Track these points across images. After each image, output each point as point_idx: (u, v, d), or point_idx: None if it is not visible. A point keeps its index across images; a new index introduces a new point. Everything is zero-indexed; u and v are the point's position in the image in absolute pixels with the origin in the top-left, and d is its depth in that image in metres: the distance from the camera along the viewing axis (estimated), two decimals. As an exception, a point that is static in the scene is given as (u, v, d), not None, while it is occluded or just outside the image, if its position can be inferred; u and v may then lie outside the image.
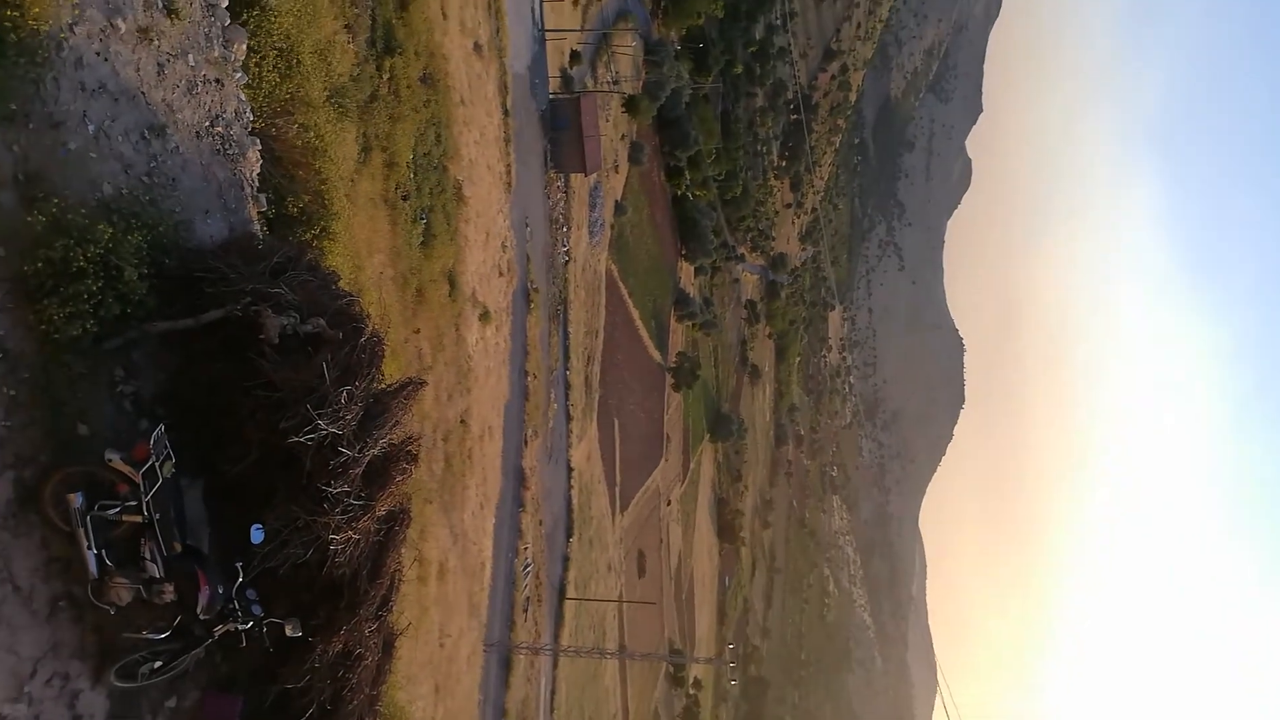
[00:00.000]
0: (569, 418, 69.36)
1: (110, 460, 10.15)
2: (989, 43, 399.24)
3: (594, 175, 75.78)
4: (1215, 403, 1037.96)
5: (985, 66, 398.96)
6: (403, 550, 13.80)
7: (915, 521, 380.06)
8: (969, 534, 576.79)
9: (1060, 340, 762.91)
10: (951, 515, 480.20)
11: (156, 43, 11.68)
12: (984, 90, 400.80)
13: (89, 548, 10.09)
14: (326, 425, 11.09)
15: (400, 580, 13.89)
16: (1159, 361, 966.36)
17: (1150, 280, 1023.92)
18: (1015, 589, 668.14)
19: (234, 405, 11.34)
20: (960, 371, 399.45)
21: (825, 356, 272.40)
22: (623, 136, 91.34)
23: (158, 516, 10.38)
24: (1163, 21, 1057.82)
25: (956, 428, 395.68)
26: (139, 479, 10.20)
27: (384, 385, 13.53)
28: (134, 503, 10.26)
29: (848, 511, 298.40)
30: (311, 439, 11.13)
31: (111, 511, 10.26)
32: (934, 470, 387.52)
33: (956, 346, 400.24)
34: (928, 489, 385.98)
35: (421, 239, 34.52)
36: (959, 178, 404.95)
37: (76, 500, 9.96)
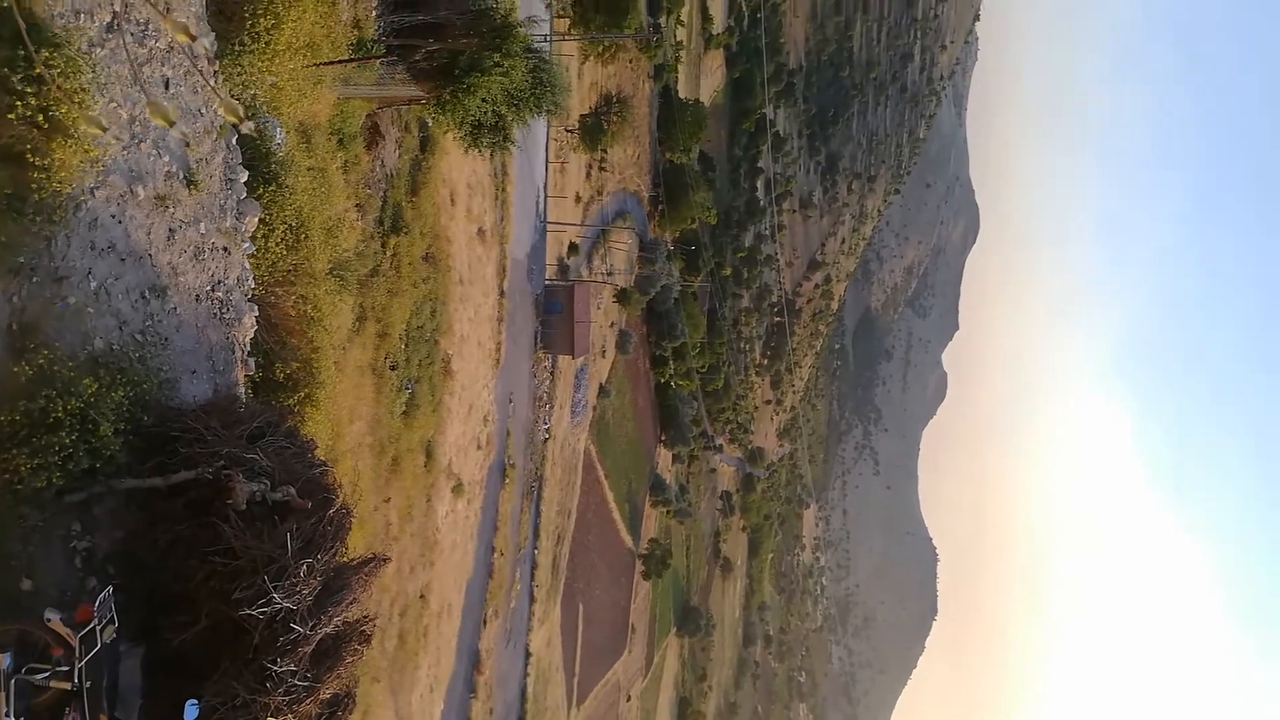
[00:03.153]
0: (532, 599, 67.17)
1: (49, 621, 9.75)
2: (966, 266, 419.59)
3: (581, 358, 77.18)
4: (1190, 621, 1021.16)
5: (962, 288, 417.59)
6: (342, 738, 13.04)
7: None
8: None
9: (1034, 557, 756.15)
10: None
11: (172, 210, 12.22)
12: (960, 309, 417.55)
13: (7, 714, 9.52)
14: (282, 599, 10.77)
15: (334, 773, 13.03)
16: (1134, 580, 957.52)
17: (1122, 499, 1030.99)
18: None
19: (189, 570, 11.04)
20: (934, 581, 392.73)
21: (799, 555, 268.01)
22: (612, 324, 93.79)
23: (88, 685, 9.86)
24: (1130, 259, 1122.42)
25: (929, 639, 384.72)
26: (76, 643, 9.76)
27: (346, 559, 13.24)
28: (66, 668, 9.77)
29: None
30: (264, 612, 10.78)
31: (40, 676, 9.75)
32: (904, 683, 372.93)
33: (930, 556, 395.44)
34: (897, 703, 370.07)
35: (404, 408, 34.68)
36: (935, 390, 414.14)
37: (4, 661, 9.48)
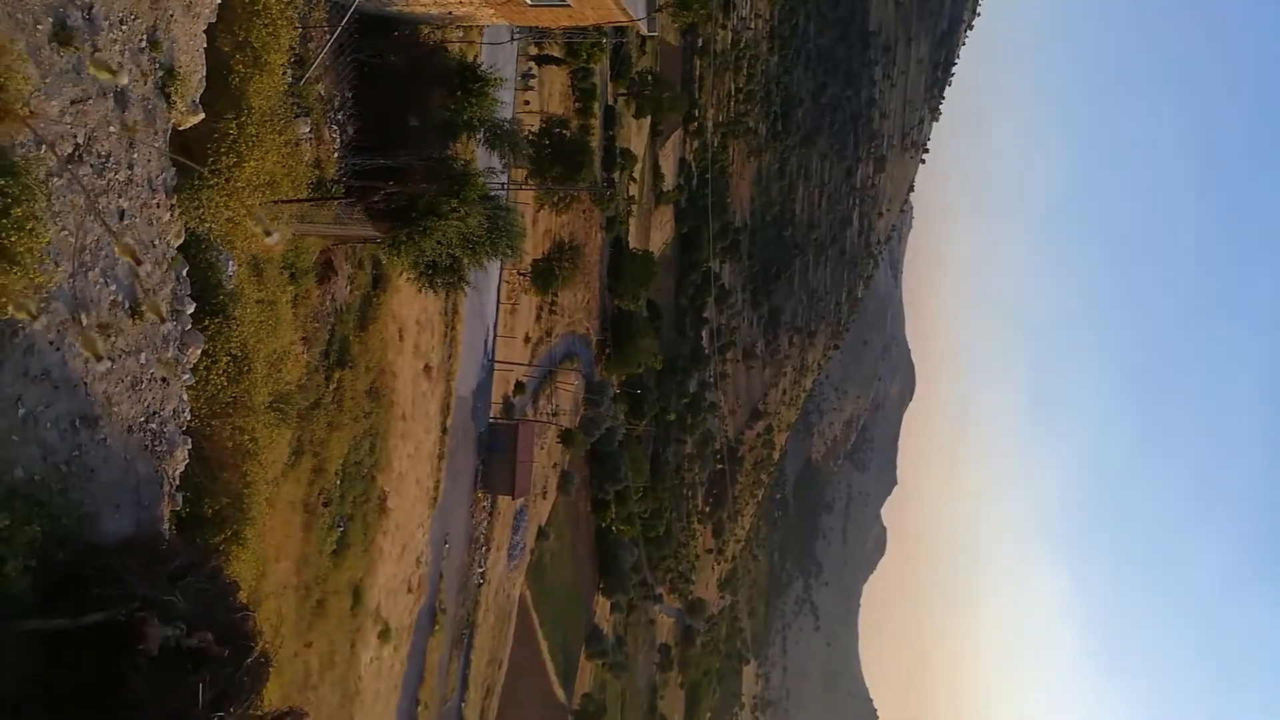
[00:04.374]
0: (456, 759, 63.30)
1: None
2: (903, 422, 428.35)
3: (521, 499, 75.90)
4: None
5: (899, 443, 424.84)
6: None
7: None
8: None
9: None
10: None
11: (113, 339, 12.00)
12: (899, 465, 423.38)
13: None
14: (186, 759, 10.00)
15: None
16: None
17: (1058, 664, 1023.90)
18: None
19: (87, 723, 10.23)
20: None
21: (738, 714, 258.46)
22: (554, 465, 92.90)
23: None
24: (1060, 430, 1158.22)
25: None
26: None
27: (261, 711, 12.46)
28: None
29: None
30: (165, 773, 9.98)
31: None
32: None
33: (870, 717, 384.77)
34: None
35: (334, 547, 33.51)
36: (874, 544, 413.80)
37: None
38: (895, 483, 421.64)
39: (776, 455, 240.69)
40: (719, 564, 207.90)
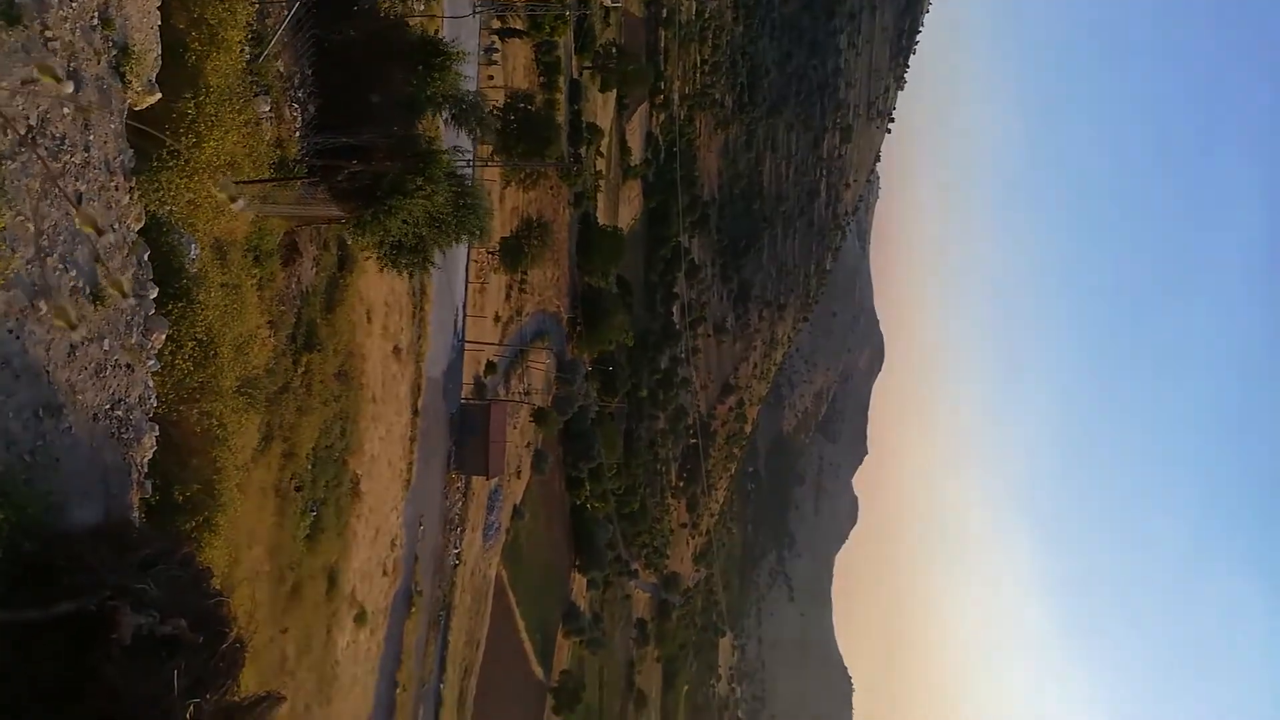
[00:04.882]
0: (436, 739, 63.48)
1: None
2: (872, 393, 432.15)
3: (495, 479, 75.84)
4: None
5: (869, 414, 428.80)
6: None
7: None
8: None
9: (946, 688, 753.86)
10: None
11: (75, 326, 11.76)
12: (868, 435, 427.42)
13: None
14: (164, 747, 9.91)
15: None
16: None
17: (1027, 632, 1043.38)
18: None
19: (65, 714, 10.09)
20: (849, 713, 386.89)
21: (714, 686, 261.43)
22: (528, 445, 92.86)
23: None
24: (1022, 391, 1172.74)
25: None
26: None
27: (237, 698, 12.36)
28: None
29: None
30: (144, 762, 9.89)
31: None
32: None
33: (845, 685, 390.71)
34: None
35: (308, 532, 33.32)
36: (846, 514, 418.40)
37: None
38: (866, 452, 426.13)
39: (748, 429, 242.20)
40: (693, 538, 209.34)
